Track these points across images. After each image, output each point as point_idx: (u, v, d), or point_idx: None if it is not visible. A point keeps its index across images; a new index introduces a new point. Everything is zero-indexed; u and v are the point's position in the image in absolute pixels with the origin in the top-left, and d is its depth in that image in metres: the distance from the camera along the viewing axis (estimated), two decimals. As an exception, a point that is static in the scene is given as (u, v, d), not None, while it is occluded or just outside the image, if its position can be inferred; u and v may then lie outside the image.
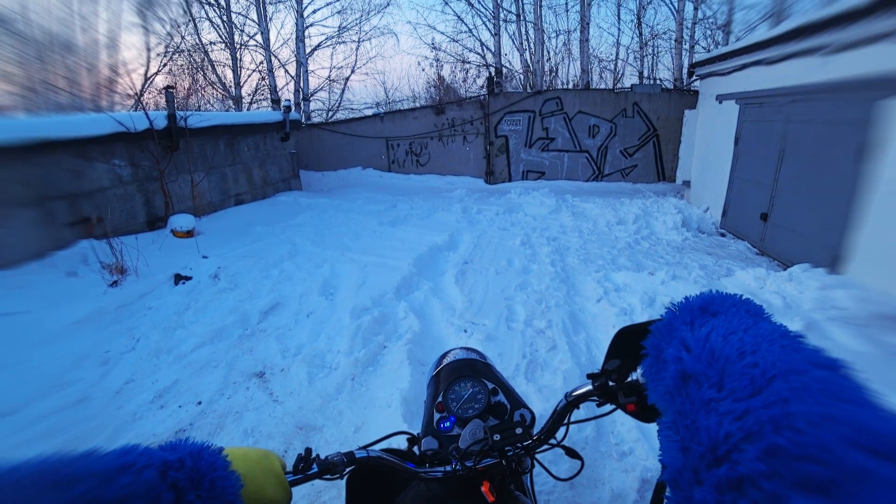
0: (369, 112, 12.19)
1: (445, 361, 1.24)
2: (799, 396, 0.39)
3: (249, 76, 15.25)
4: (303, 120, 12.68)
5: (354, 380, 2.92)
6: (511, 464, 0.93)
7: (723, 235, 6.83)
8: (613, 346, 0.78)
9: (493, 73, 11.68)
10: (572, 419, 0.93)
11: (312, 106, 14.70)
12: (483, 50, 14.12)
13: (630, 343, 0.73)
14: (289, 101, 9.74)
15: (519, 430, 0.96)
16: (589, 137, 10.72)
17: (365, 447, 0.91)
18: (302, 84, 13.25)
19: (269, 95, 13.42)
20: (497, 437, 0.94)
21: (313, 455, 0.83)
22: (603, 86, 13.96)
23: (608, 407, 0.83)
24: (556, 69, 13.80)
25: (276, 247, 5.65)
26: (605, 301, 3.99)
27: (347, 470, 0.86)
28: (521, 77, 12.86)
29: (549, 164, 11.05)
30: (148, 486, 0.50)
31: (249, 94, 14.94)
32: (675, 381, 0.51)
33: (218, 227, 6.59)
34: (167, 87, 6.41)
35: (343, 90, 15.41)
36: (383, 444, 1.03)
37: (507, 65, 13.92)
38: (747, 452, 0.38)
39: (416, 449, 1.04)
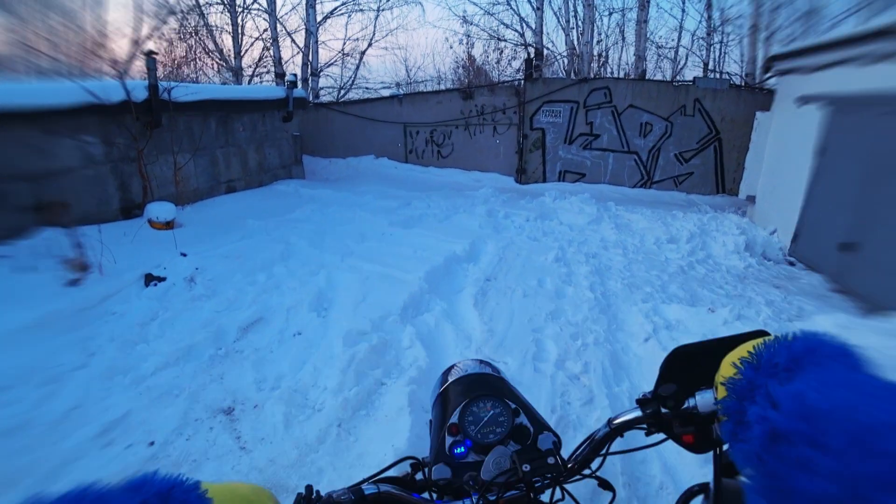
0: (386, 93, 12.02)
1: (454, 376, 1.17)
2: None
3: (252, 45, 15.22)
4: (310, 98, 12.56)
5: (341, 426, 2.69)
6: (537, 496, 0.91)
7: (791, 264, 6.45)
8: (667, 368, 0.79)
9: (532, 55, 11.38)
10: (616, 448, 0.92)
11: (322, 82, 14.60)
12: (522, 26, 13.92)
13: (687, 365, 0.74)
14: (294, 75, 9.55)
15: (551, 460, 0.94)
16: (639, 136, 10.38)
17: (372, 480, 0.89)
18: (311, 57, 13.13)
19: (272, 68, 13.33)
20: (527, 467, 0.90)
21: (314, 494, 0.79)
22: (660, 76, 13.60)
23: (656, 436, 0.82)
24: (607, 54, 13.44)
25: (268, 246, 5.48)
26: (655, 341, 3.70)
27: None
28: (565, 61, 12.59)
29: (590, 164, 10.74)
30: None
31: (251, 66, 14.88)
32: (762, 442, 0.51)
33: (203, 219, 6.45)
34: (149, 53, 6.26)
35: (358, 66, 15.28)
36: (388, 474, 0.98)
37: (550, 46, 13.65)
38: None
39: (419, 475, 1.00)
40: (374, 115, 11.72)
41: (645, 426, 0.83)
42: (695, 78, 10.25)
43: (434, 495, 0.94)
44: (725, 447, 0.62)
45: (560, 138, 10.72)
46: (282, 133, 9.31)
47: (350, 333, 3.47)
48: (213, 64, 14.63)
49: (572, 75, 11.98)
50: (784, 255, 6.78)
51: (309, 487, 0.80)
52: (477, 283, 4.64)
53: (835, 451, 0.43)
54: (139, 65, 14.29)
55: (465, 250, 5.49)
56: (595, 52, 12.60)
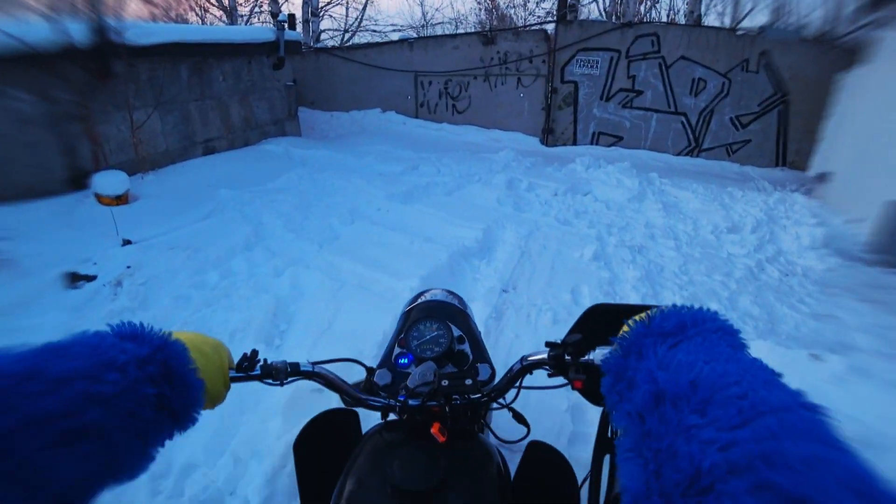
0: (396, 37, 10.79)
1: (422, 299, 1.38)
2: (791, 435, 0.43)
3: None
4: (310, 42, 11.39)
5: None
6: (456, 412, 0.99)
7: (892, 266, 5.36)
8: (581, 321, 0.91)
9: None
10: (528, 384, 1.03)
11: (325, 25, 13.35)
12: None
13: (598, 321, 0.85)
14: (286, 14, 8.40)
15: (469, 381, 1.03)
16: (690, 95, 9.11)
17: (313, 363, 1.03)
18: (311, -7, 11.85)
19: (268, 8, 12.10)
20: (445, 382, 1.01)
21: (258, 358, 0.94)
22: (718, 24, 11.99)
23: (560, 380, 0.93)
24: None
25: (234, 227, 4.57)
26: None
27: (289, 379, 0.97)
28: (605, 1, 11.14)
29: (630, 126, 9.51)
30: (132, 382, 0.59)
31: (245, 2, 13.62)
32: (645, 402, 0.54)
33: (166, 190, 5.51)
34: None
35: (365, 5, 13.92)
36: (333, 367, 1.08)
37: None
38: (735, 485, 0.41)
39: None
40: (381, 63, 10.55)
41: (548, 367, 0.92)
42: (762, 26, 8.89)
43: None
44: (607, 407, 0.66)
45: (595, 94, 9.47)
46: (272, 83, 8.23)
47: (296, 399, 2.31)
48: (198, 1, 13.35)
49: (614, 19, 10.61)
50: (878, 252, 5.66)
51: (254, 351, 0.94)
52: (490, 298, 3.59)
53: (723, 425, 0.46)
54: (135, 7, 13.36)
55: (478, 239, 4.46)
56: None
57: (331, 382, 1.03)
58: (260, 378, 0.93)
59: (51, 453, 0.49)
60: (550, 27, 9.52)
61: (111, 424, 0.55)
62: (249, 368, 0.92)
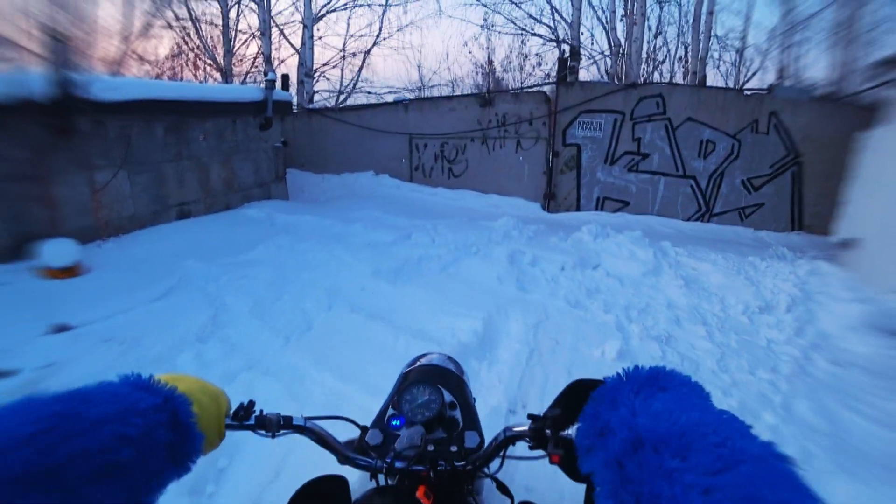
0: (390, 98, 10.43)
1: (421, 362, 1.43)
2: (767, 482, 0.46)
3: (245, 42, 13.72)
4: (303, 103, 11.04)
5: None
6: (440, 478, 1.01)
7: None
8: (562, 396, 0.88)
9: (566, 52, 9.69)
10: (514, 455, 1.03)
11: (320, 86, 13.08)
12: (554, 19, 12.11)
13: (579, 398, 0.81)
14: (274, 73, 8.00)
15: (454, 448, 1.06)
16: (698, 157, 8.64)
17: (307, 418, 1.04)
18: (304, 55, 11.57)
19: (262, 68, 11.84)
20: (431, 447, 1.03)
21: (254, 409, 0.96)
22: (723, 84, 11.66)
23: (540, 452, 0.91)
24: (658, 54, 11.57)
25: (191, 310, 3.92)
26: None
27: (281, 432, 0.99)
28: (609, 62, 10.84)
29: (636, 190, 9.00)
30: (151, 426, 0.64)
31: (239, 63, 13.40)
32: (624, 448, 0.56)
33: (126, 260, 4.87)
34: (52, 34, 4.67)
35: (361, 67, 13.71)
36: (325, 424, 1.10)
37: (589, 45, 11.89)
38: None
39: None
40: (375, 125, 10.16)
41: (528, 440, 0.92)
42: (771, 86, 8.52)
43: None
44: (578, 463, 0.69)
45: (600, 157, 9.00)
46: (258, 144, 7.73)
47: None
48: (193, 60, 13.13)
49: (617, 80, 10.28)
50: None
51: (251, 402, 0.96)
52: (495, 422, 2.77)
53: (704, 470, 0.48)
54: (135, 67, 13.15)
55: (477, 332, 3.73)
56: (644, 52, 10.83)
57: (321, 438, 1.05)
58: (253, 428, 0.95)
59: (87, 489, 0.53)
60: (550, 89, 9.15)
61: (135, 464, 0.59)
62: (245, 418, 0.94)
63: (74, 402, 0.59)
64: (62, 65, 4.61)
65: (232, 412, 0.93)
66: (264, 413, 0.97)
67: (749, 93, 8.44)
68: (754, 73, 9.90)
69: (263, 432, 0.97)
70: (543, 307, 4.35)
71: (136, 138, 5.69)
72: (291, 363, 3.19)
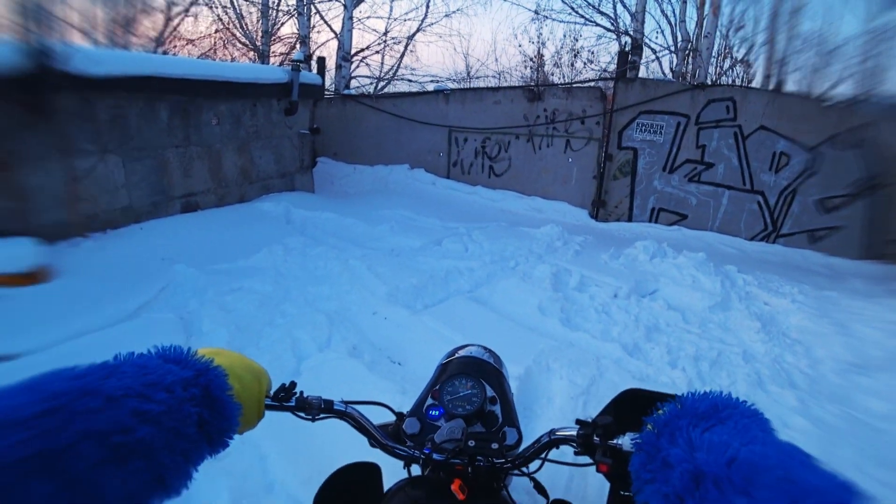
0: (431, 86, 9.66)
1: (461, 353, 1.40)
2: None
3: (284, 23, 13.10)
4: (339, 88, 10.37)
5: None
6: (478, 473, 0.99)
7: None
8: (613, 404, 0.91)
9: (627, 45, 8.73)
10: (554, 458, 1.01)
11: (359, 71, 12.39)
12: (615, 6, 11.09)
13: (631, 407, 0.84)
14: (302, 53, 7.31)
15: (495, 445, 1.03)
16: (769, 171, 7.66)
17: (346, 402, 1.06)
18: (342, 37, 10.86)
19: (297, 44, 11.21)
20: (472, 443, 1.01)
21: (295, 390, 0.97)
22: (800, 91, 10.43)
23: (585, 459, 0.90)
24: (733, 53, 10.39)
25: (154, 340, 3.15)
26: None
27: (321, 415, 1.00)
28: (674, 59, 9.81)
29: (696, 203, 8.06)
30: (178, 401, 0.61)
31: (278, 43, 12.83)
32: (684, 483, 0.54)
33: (104, 262, 4.27)
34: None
35: (403, 53, 12.92)
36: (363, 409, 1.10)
37: (653, 39, 10.84)
38: None
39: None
40: (413, 114, 9.44)
41: (575, 445, 0.90)
42: (853, 98, 7.49)
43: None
44: (633, 489, 0.65)
45: (658, 163, 8.10)
46: (282, 130, 7.08)
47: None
48: (226, 39, 12.58)
49: (683, 79, 9.27)
50: None
51: (293, 383, 0.97)
52: None
53: None
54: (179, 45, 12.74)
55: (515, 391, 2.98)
56: (715, 50, 9.73)
57: (360, 424, 1.06)
58: (293, 410, 0.96)
59: (104, 468, 0.50)
60: (606, 85, 8.26)
61: (158, 442, 0.57)
62: (285, 399, 0.94)
63: (92, 378, 0.56)
64: (37, 32, 3.96)
65: (272, 393, 0.92)
66: (305, 395, 0.98)
67: (827, 104, 7.40)
68: (838, 82, 8.80)
69: (304, 415, 0.98)
70: (595, 357, 3.53)
71: (133, 120, 5.08)
72: (251, 441, 2.38)
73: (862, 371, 4.01)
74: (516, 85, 9.66)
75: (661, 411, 0.68)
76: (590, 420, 0.88)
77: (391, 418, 1.21)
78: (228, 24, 12.70)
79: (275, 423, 2.35)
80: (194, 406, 0.63)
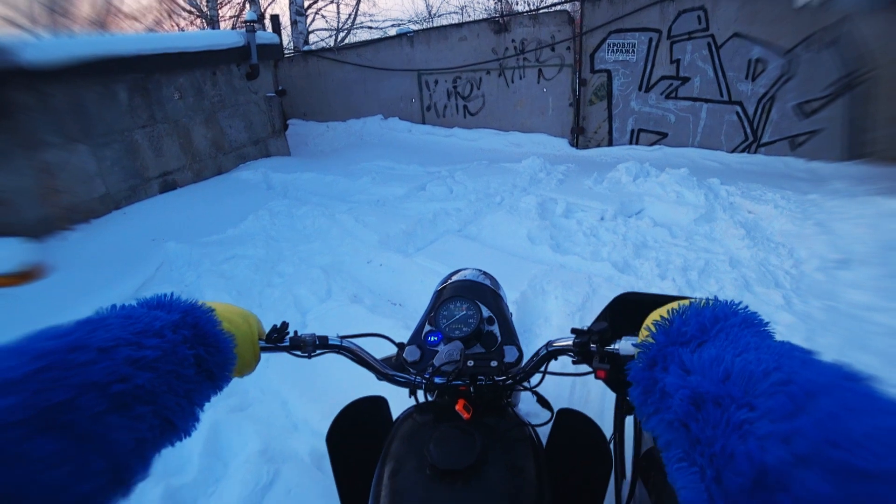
0: (393, 31, 9.53)
1: (455, 278, 1.42)
2: (848, 411, 0.42)
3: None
4: (298, 45, 10.20)
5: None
6: (480, 392, 1.01)
7: None
8: (608, 309, 0.97)
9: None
10: (553, 370, 1.04)
11: (315, 25, 12.12)
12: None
13: (625, 310, 0.89)
14: (254, 13, 7.19)
15: (494, 363, 1.05)
16: (746, 80, 7.69)
17: (342, 336, 1.07)
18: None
19: (246, 4, 10.94)
20: (471, 363, 1.03)
21: (288, 329, 0.99)
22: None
23: (584, 368, 0.91)
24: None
25: None
26: None
27: (317, 352, 1.01)
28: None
29: (675, 120, 8.13)
30: (171, 344, 0.63)
31: (226, 6, 12.46)
32: (685, 409, 0.53)
33: (93, 251, 4.31)
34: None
35: (359, 0, 12.60)
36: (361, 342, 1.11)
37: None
38: (807, 475, 0.40)
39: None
40: (378, 63, 9.32)
41: (572, 355, 0.92)
42: (825, -5, 7.49)
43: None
44: (634, 416, 0.77)
45: (633, 84, 8.10)
46: (247, 96, 7.02)
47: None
48: (170, 9, 12.19)
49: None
50: None
51: (284, 323, 0.98)
52: None
53: (776, 415, 0.44)
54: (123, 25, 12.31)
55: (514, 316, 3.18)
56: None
57: (358, 357, 1.07)
58: (288, 349, 0.97)
59: (108, 419, 0.52)
60: (573, 7, 8.21)
61: (159, 387, 0.59)
62: (278, 340, 0.95)
63: (79, 334, 0.56)
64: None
65: (266, 334, 0.94)
66: (299, 334, 0.99)
67: (800, 4, 7.42)
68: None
69: (299, 353, 0.99)
70: (587, 276, 3.70)
71: (92, 105, 5.00)
72: (271, 390, 2.62)
73: (844, 266, 4.21)
74: (481, 18, 9.52)
75: (647, 335, 0.69)
76: (585, 328, 0.90)
77: (394, 352, 1.23)
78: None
79: (293, 370, 2.60)
80: (189, 348, 0.65)
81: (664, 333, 0.65)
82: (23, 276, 3.69)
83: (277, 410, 2.46)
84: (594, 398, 2.44)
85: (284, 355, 0.98)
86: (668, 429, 0.56)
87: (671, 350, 0.62)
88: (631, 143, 8.38)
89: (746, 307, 0.67)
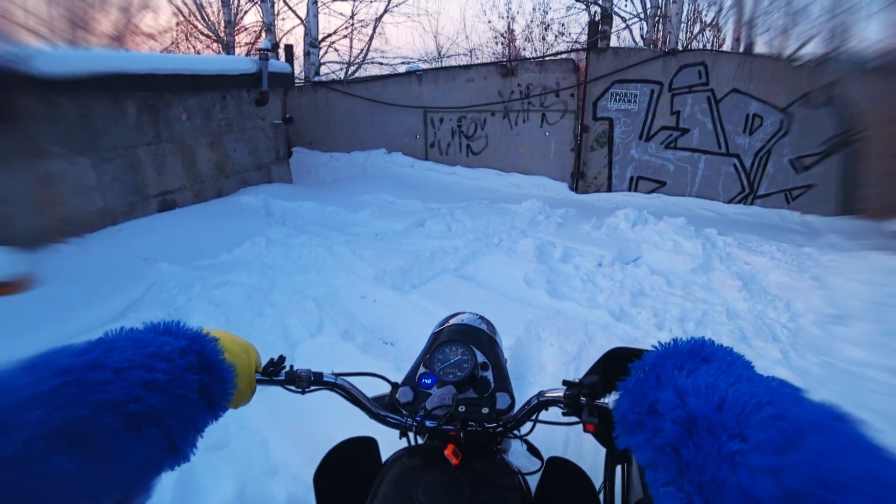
0: (402, 68, 9.61)
1: (453, 321, 1.41)
2: (838, 452, 0.42)
3: (247, 11, 12.88)
4: (309, 75, 10.28)
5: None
6: (470, 438, 1.01)
7: None
8: (599, 363, 0.91)
9: (596, 16, 8.77)
10: (545, 418, 1.02)
11: (328, 57, 12.26)
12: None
13: (616, 366, 0.82)
14: (269, 41, 7.24)
15: (485, 410, 1.04)
16: (743, 134, 7.79)
17: (337, 374, 1.07)
18: (308, 23, 10.72)
19: (262, 33, 11.06)
20: (462, 408, 1.03)
21: (285, 364, 0.99)
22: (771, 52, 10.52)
23: (573, 419, 0.92)
24: (702, 17, 10.48)
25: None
26: None
27: (312, 388, 1.02)
28: (645, 26, 9.88)
29: (674, 169, 8.18)
30: (179, 370, 0.64)
31: (242, 32, 12.62)
32: (677, 432, 0.52)
33: (85, 266, 4.21)
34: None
35: (372, 36, 12.80)
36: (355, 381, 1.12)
37: (622, 8, 10.85)
38: None
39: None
40: (386, 98, 9.39)
41: (562, 406, 0.93)
42: (821, 56, 7.61)
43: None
44: (616, 432, 0.67)
45: (634, 132, 8.19)
46: (254, 121, 7.03)
47: None
48: (188, 31, 12.36)
49: (654, 46, 9.34)
50: None
51: (282, 357, 0.99)
52: None
53: (768, 449, 0.45)
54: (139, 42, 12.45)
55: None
56: (684, 15, 9.79)
57: (351, 395, 1.07)
58: (283, 384, 0.98)
59: (122, 438, 0.53)
60: (579, 56, 8.30)
61: (167, 409, 0.60)
62: (275, 373, 0.96)
63: (96, 353, 0.58)
64: None
65: (262, 367, 0.95)
66: (295, 369, 1.00)
67: (797, 64, 7.52)
68: (806, 42, 8.92)
69: (294, 388, 1.00)
70: (583, 324, 3.62)
71: (100, 120, 4.99)
72: (252, 427, 2.47)
73: (840, 321, 4.15)
74: (488, 61, 9.63)
75: (642, 353, 0.70)
76: (577, 381, 0.89)
77: (387, 391, 1.20)
78: (189, 15, 12.48)
79: (275, 409, 2.46)
80: (195, 374, 0.66)
81: (660, 351, 0.67)
82: (9, 287, 3.57)
83: (257, 450, 2.32)
84: (588, 450, 2.35)
85: (270, 391, 0.98)
86: (657, 452, 0.55)
87: (667, 365, 0.62)
88: (630, 189, 8.42)
89: (738, 352, 0.67)
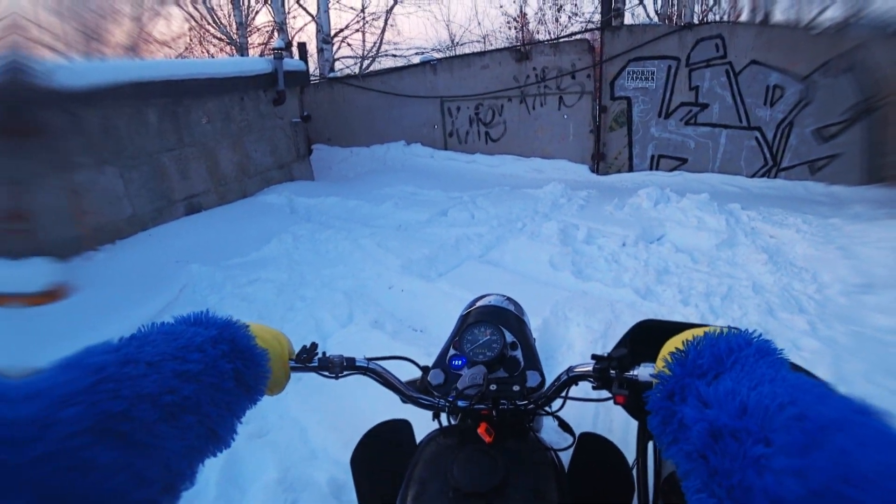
0: (416, 59, 9.62)
1: (480, 303, 1.43)
2: (862, 448, 0.42)
3: (258, 12, 12.98)
4: (324, 72, 10.36)
5: None
6: (502, 416, 1.01)
7: None
8: (628, 336, 0.96)
9: (610, -4, 8.67)
10: (575, 395, 1.03)
11: (341, 52, 12.33)
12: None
13: (645, 338, 0.88)
14: (282, 41, 7.31)
15: (516, 388, 1.06)
16: (764, 106, 7.65)
17: (368, 359, 1.09)
18: (320, 19, 10.78)
19: (274, 32, 11.15)
20: (493, 387, 1.03)
21: (317, 350, 1.02)
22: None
23: (604, 393, 0.92)
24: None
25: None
26: None
27: (345, 373, 1.04)
28: (659, 1, 9.73)
29: (694, 145, 8.09)
30: (211, 359, 0.67)
31: (254, 33, 12.73)
32: (704, 441, 0.53)
33: (119, 272, 4.38)
34: None
35: (384, 28, 12.82)
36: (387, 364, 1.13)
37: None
38: None
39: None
40: (402, 89, 9.42)
41: (592, 380, 0.92)
42: (840, 23, 7.41)
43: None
44: (654, 443, 0.78)
45: (653, 110, 8.11)
46: (273, 121, 7.14)
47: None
48: (201, 35, 12.52)
49: (669, 21, 9.22)
50: None
51: (314, 344, 1.02)
52: None
53: (791, 450, 0.45)
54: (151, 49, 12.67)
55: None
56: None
57: (384, 379, 1.08)
58: (317, 370, 1.01)
59: (159, 428, 0.55)
60: (593, 36, 8.22)
61: (203, 398, 0.63)
62: (308, 360, 0.99)
63: (129, 349, 0.60)
64: (13, 49, 3.93)
65: (295, 355, 0.98)
66: (327, 355, 1.02)
67: (815, 32, 7.33)
68: (826, 7, 8.68)
69: (327, 373, 1.02)
70: (609, 303, 3.67)
71: (123, 129, 5.14)
72: (290, 416, 2.58)
73: (868, 290, 4.12)
74: (503, 47, 9.60)
75: (664, 367, 0.68)
76: (605, 355, 0.90)
77: (418, 375, 1.23)
78: (201, 20, 12.63)
79: (311, 398, 2.56)
80: (228, 362, 0.69)
81: (680, 365, 0.66)
82: (48, 296, 3.72)
83: (296, 437, 2.45)
84: (618, 424, 2.42)
85: (306, 380, 1.02)
86: (687, 459, 0.56)
87: (688, 382, 0.63)
88: (651, 168, 8.35)
89: (760, 335, 0.67)
